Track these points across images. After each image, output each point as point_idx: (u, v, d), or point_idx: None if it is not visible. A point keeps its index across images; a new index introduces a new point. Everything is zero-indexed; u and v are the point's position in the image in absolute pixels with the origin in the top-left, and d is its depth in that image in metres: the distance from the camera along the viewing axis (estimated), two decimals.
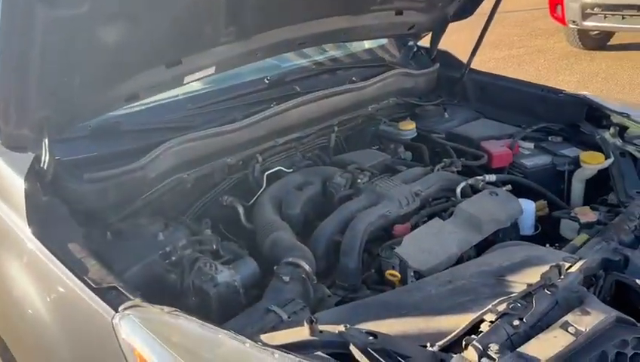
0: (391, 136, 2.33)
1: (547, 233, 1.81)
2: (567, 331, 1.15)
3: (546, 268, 1.33)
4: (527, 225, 1.82)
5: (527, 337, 1.15)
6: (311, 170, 2.02)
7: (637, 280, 1.32)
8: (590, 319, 1.18)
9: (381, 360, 1.01)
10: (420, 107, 2.49)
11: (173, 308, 1.08)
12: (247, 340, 1.00)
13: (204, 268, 1.48)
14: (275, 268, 1.46)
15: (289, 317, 1.28)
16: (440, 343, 1.13)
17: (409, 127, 2.28)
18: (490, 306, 1.20)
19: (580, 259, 1.37)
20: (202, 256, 1.51)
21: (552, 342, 1.13)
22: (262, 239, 1.66)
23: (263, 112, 1.94)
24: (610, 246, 1.43)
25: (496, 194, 1.76)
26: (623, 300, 1.37)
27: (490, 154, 2.06)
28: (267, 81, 2.16)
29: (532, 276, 1.31)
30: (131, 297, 1.14)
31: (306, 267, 1.46)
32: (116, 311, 1.10)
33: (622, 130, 1.99)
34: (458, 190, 1.87)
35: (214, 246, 1.58)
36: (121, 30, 1.44)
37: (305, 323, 1.07)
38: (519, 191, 1.89)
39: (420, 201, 1.80)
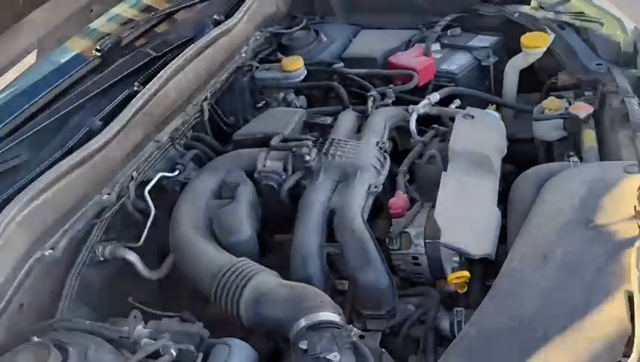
0: (275, 83, 1.77)
1: (510, 139, 1.53)
2: None
3: (623, 187, 1.04)
4: None
5: None
6: (220, 165, 1.40)
7: None
8: None
9: None
10: (286, 36, 1.95)
11: None
12: None
13: None
14: (301, 345, 0.90)
15: None
16: None
17: (296, 66, 1.75)
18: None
19: None
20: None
21: None
22: (229, 298, 1.06)
23: (132, 104, 1.23)
24: None
25: (472, 117, 1.39)
26: None
27: (416, 70, 1.67)
28: (98, 54, 1.39)
29: (624, 205, 1.00)
30: None
31: (342, 321, 0.94)
32: None
33: None
34: (413, 125, 1.46)
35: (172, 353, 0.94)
36: None
37: None
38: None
39: (388, 158, 1.35)
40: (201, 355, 0.94)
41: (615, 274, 0.90)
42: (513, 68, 1.68)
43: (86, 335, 0.97)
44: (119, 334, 0.97)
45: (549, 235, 1.01)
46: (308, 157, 1.29)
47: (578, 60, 1.54)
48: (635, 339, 0.80)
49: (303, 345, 0.89)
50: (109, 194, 1.22)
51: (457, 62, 1.75)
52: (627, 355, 0.81)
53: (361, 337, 0.98)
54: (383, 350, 1.02)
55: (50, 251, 1.08)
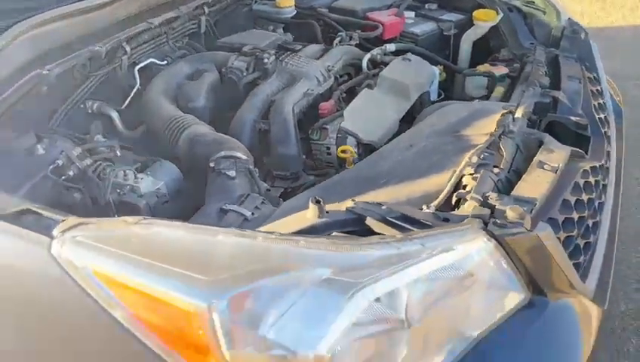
0: (268, 16, 2.09)
1: (449, 97, 1.82)
2: (544, 169, 1.14)
3: (493, 117, 1.32)
4: (433, 90, 1.80)
5: (509, 182, 1.13)
6: (197, 57, 1.72)
7: (570, 117, 1.38)
8: (558, 156, 1.19)
9: (407, 227, 0.88)
10: None
11: (139, 217, 0.80)
12: (259, 233, 0.79)
13: (119, 179, 1.16)
14: (211, 164, 1.21)
15: (253, 214, 1.07)
16: (434, 203, 1.04)
17: (288, 4, 2.06)
18: (466, 159, 1.14)
19: (519, 105, 1.37)
20: (110, 164, 1.18)
21: (537, 180, 1.11)
22: (172, 138, 1.37)
23: None
24: (537, 91, 1.46)
25: (409, 60, 1.68)
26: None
27: (383, 24, 1.96)
28: None
29: (485, 127, 1.28)
30: (59, 217, 0.82)
31: (247, 158, 1.24)
32: (50, 237, 0.78)
33: None
34: (364, 62, 1.75)
35: (117, 153, 1.25)
36: None
37: (310, 204, 0.89)
38: None
39: (333, 77, 1.64)
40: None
41: (455, 162, 1.18)
42: (467, 38, 1.97)
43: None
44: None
45: (421, 135, 1.30)
46: (266, 61, 1.60)
47: (517, 39, 1.81)
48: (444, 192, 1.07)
49: (212, 163, 1.20)
50: (100, 47, 1.52)
51: (422, 28, 2.04)
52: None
53: (268, 190, 1.28)
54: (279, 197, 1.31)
55: (47, 72, 1.38)
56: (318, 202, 0.88)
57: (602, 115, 1.46)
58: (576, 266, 1.05)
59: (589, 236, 1.14)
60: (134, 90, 1.62)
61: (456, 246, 0.86)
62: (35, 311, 0.81)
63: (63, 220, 0.81)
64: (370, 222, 0.90)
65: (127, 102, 1.60)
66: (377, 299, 0.79)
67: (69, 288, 0.76)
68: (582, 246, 1.10)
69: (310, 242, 0.79)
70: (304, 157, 1.47)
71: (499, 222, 0.92)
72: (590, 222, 1.16)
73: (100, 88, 1.59)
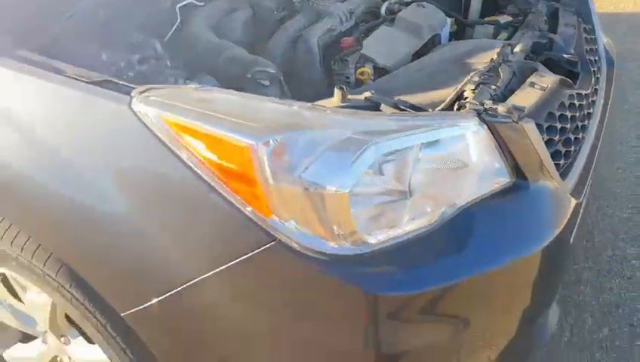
0: None
1: None
2: (535, 88, 1.33)
3: (495, 51, 1.50)
4: (444, 37, 1.98)
5: (504, 97, 1.32)
6: None
7: (563, 55, 1.56)
8: (548, 79, 1.37)
9: (416, 108, 1.08)
10: None
11: (201, 85, 1.00)
12: (295, 102, 0.99)
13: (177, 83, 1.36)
14: (248, 75, 1.41)
15: None
16: (438, 109, 1.23)
17: None
18: (468, 77, 1.33)
19: (518, 43, 1.56)
20: (169, 69, 1.38)
21: (527, 95, 1.30)
22: (212, 60, 1.57)
23: None
24: (535, 34, 1.64)
25: (424, 7, 1.87)
26: None
27: None
28: None
29: (487, 57, 1.47)
30: (134, 85, 1.02)
31: (278, 72, 1.44)
32: (130, 96, 0.98)
33: None
34: (383, 9, 1.93)
35: (167, 64, 1.46)
36: None
37: (336, 90, 1.08)
38: None
39: (354, 19, 1.83)
40: None
41: (459, 81, 1.36)
42: None
43: None
44: None
45: (431, 62, 1.49)
46: (295, 1, 1.80)
47: None
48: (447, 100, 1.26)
49: (249, 75, 1.40)
50: None
51: None
52: None
53: None
54: None
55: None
56: (342, 88, 1.08)
57: (592, 58, 1.64)
58: (557, 166, 1.24)
59: (570, 146, 1.33)
60: (175, 25, 1.82)
61: (454, 125, 1.06)
62: (114, 159, 1.01)
63: (137, 87, 1.02)
64: (384, 108, 1.09)
65: (169, 34, 1.80)
66: (387, 160, 0.98)
67: (146, 137, 0.97)
68: (563, 152, 1.30)
69: (335, 111, 0.99)
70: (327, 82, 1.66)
71: (490, 113, 1.11)
72: (572, 136, 1.35)
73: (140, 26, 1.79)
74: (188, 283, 1.00)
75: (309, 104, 1.01)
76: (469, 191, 1.10)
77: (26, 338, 1.63)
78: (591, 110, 1.50)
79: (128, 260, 1.03)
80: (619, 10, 5.13)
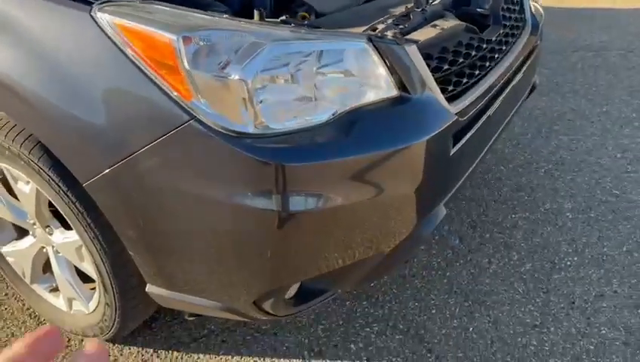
0: None
1: None
2: (435, 28, 1.60)
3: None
4: None
5: (408, 34, 1.59)
6: None
7: (477, 9, 1.82)
8: (450, 23, 1.65)
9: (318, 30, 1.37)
10: None
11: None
12: (217, 14, 1.28)
13: None
14: None
15: None
16: None
17: None
18: (380, 19, 1.62)
19: None
20: None
21: (426, 32, 1.58)
22: None
23: None
24: None
25: None
26: None
27: None
28: None
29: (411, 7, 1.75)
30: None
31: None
32: (90, 5, 1.29)
33: None
34: None
35: None
36: None
37: (255, 12, 1.37)
38: None
39: None
40: None
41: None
42: None
43: None
44: None
45: (361, 8, 1.77)
46: None
47: None
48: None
49: None
50: None
51: None
52: None
53: None
54: None
55: None
56: (260, 10, 1.37)
57: (508, 15, 1.91)
58: (443, 91, 1.51)
59: (463, 78, 1.60)
60: None
61: (347, 42, 1.34)
62: (77, 55, 1.32)
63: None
64: (293, 28, 1.38)
65: None
66: (298, 68, 1.27)
67: (100, 37, 1.27)
68: (453, 80, 1.56)
69: (247, 22, 1.28)
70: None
71: (379, 37, 1.39)
72: (467, 71, 1.62)
73: None
74: (131, 156, 1.31)
75: (228, 16, 1.30)
76: (360, 97, 1.37)
77: (20, 236, 1.96)
78: (495, 55, 1.77)
79: (87, 133, 1.34)
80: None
